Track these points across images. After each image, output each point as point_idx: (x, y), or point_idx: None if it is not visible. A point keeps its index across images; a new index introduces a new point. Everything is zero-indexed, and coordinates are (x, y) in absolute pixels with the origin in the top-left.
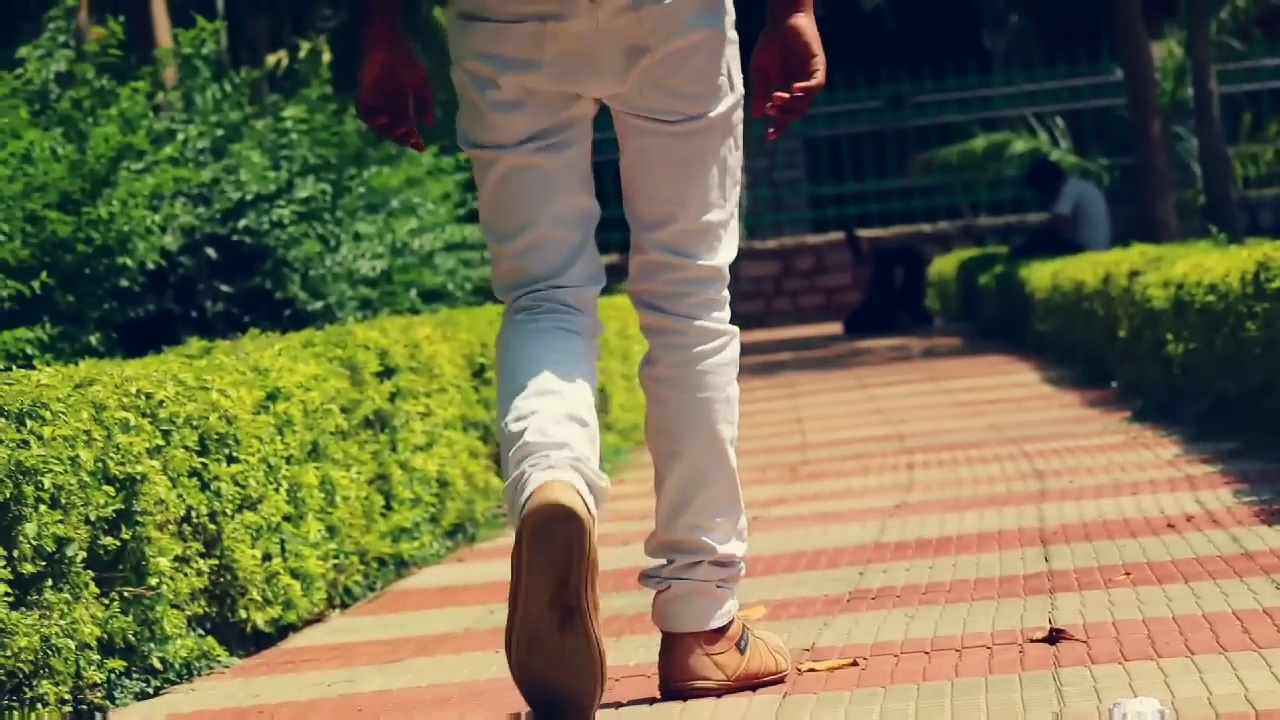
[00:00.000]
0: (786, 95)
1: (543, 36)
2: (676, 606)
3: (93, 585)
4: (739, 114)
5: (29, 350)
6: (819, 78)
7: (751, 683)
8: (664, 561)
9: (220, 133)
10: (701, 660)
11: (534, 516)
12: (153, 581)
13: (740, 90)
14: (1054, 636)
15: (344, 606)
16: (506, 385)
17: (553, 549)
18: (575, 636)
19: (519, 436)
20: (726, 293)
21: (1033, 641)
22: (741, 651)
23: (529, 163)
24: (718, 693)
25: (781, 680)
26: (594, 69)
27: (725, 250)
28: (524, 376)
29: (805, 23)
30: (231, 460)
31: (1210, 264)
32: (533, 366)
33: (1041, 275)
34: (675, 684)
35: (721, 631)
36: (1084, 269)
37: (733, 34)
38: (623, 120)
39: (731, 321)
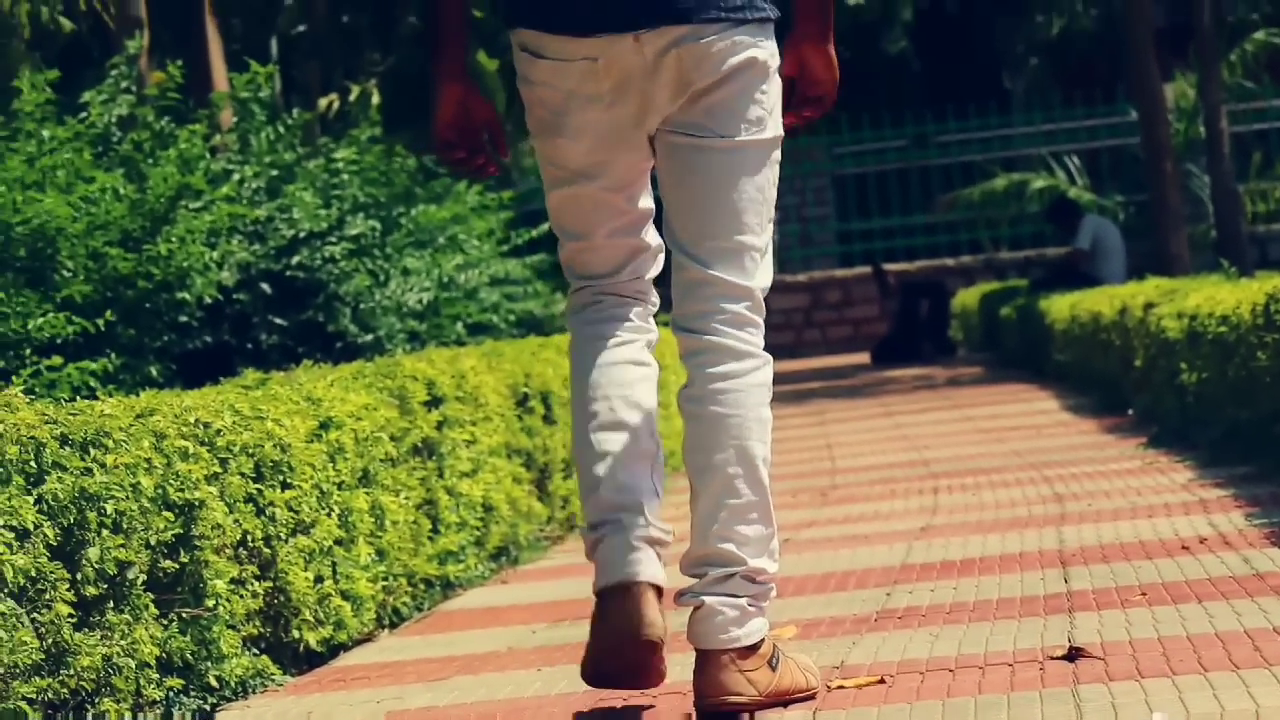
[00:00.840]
0: (799, 122)
1: (597, 71)
2: (710, 624)
3: (152, 607)
4: (776, 153)
5: (92, 383)
6: (833, 95)
7: (783, 699)
8: (698, 578)
9: (274, 173)
10: (735, 677)
11: (612, 636)
12: (210, 603)
13: (780, 129)
14: (1073, 654)
15: (393, 626)
16: (581, 403)
17: (629, 656)
18: (649, 673)
19: (597, 485)
20: (758, 318)
21: (1053, 659)
22: (773, 669)
23: (586, 192)
24: (750, 708)
25: (812, 697)
26: (648, 98)
27: (758, 276)
28: (597, 399)
29: (824, 47)
30: (285, 486)
31: (1222, 296)
32: (602, 386)
33: (1060, 307)
34: (709, 700)
35: (754, 649)
36: (1101, 301)
37: (775, 72)
38: (663, 139)
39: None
